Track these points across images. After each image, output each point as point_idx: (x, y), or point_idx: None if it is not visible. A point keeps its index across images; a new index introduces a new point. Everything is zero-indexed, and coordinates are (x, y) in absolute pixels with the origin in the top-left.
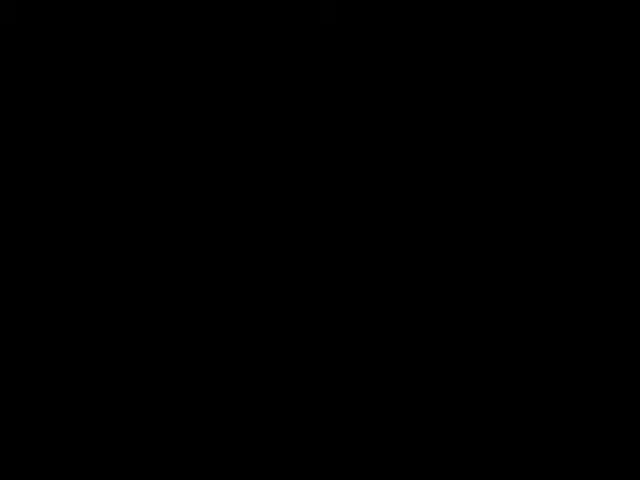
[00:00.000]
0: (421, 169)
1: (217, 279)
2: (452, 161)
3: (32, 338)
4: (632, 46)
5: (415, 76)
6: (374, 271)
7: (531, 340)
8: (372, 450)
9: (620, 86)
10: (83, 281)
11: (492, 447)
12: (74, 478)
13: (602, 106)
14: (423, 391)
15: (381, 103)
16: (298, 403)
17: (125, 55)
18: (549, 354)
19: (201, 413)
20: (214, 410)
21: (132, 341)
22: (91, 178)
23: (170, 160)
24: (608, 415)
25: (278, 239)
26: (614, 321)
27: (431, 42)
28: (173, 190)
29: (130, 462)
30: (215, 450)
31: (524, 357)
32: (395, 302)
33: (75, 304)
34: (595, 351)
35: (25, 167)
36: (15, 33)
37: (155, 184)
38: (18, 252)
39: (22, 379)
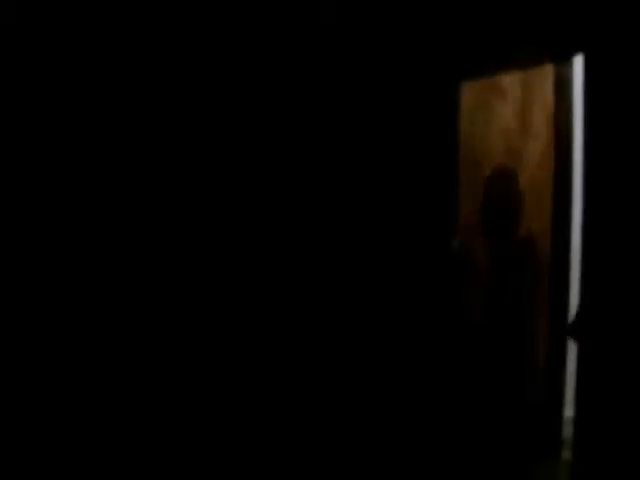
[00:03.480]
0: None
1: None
2: None
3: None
4: None
5: (413, 75)
6: None
7: None
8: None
9: None
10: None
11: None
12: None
13: None
14: None
15: (380, 102)
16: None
17: (125, 55)
18: None
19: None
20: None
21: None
22: (91, 178)
23: (169, 159)
24: None
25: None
26: None
27: (430, 42)
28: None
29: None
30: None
31: None
32: None
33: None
34: None
35: (25, 166)
36: (15, 33)
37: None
38: None
39: None
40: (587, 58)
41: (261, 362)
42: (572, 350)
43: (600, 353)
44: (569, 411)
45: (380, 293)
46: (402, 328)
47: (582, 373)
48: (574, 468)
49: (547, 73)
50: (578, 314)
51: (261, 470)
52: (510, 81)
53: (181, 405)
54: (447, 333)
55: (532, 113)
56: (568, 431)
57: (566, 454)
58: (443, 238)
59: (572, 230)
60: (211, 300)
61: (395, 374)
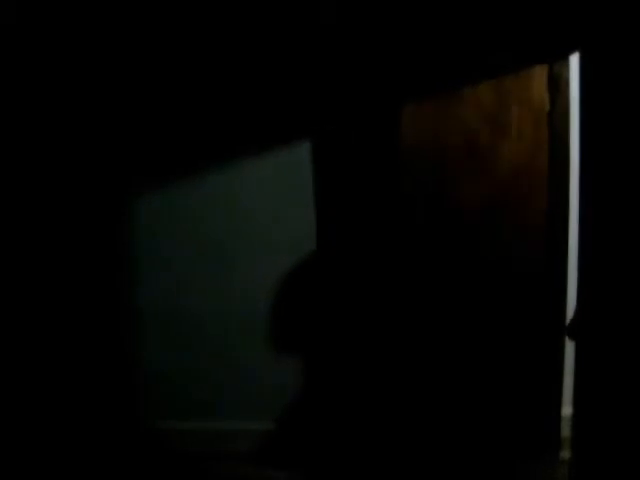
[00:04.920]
0: None
1: None
2: None
3: None
4: None
5: (412, 75)
6: None
7: None
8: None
9: None
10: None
11: None
12: None
13: None
14: None
15: (378, 102)
16: None
17: (124, 55)
18: None
19: None
20: None
21: None
22: (98, 175)
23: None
24: None
25: None
26: None
27: (430, 41)
28: None
29: None
30: None
31: None
32: None
33: None
34: None
35: (26, 165)
36: (15, 33)
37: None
38: None
39: None
40: (583, 55)
41: None
42: (569, 346)
43: (599, 352)
44: (567, 409)
45: None
46: None
47: (580, 371)
48: (573, 467)
49: (531, 71)
50: (577, 313)
51: None
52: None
53: None
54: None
55: (509, 114)
56: (567, 430)
57: (565, 453)
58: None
59: (569, 228)
60: None
61: None
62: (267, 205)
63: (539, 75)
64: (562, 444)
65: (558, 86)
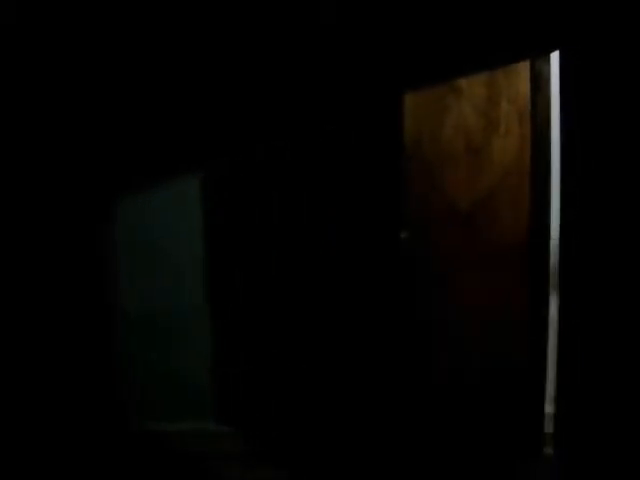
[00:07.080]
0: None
1: None
2: None
3: None
4: None
5: (412, 75)
6: None
7: None
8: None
9: None
10: None
11: None
12: None
13: None
14: None
15: (378, 102)
16: None
17: (124, 55)
18: None
19: None
20: None
21: None
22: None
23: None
24: None
25: None
26: None
27: (431, 40)
28: None
29: None
30: None
31: None
32: None
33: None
34: None
35: (26, 165)
36: (15, 33)
37: None
38: None
39: None
40: (563, 53)
41: None
42: (551, 344)
43: (581, 349)
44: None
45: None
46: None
47: (563, 368)
48: (556, 464)
49: (517, 68)
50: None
51: None
52: (469, 78)
53: None
54: (398, 335)
55: (499, 110)
56: (550, 427)
57: (549, 450)
58: (390, 232)
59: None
60: None
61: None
62: None
63: (523, 73)
64: (545, 441)
65: (539, 84)
